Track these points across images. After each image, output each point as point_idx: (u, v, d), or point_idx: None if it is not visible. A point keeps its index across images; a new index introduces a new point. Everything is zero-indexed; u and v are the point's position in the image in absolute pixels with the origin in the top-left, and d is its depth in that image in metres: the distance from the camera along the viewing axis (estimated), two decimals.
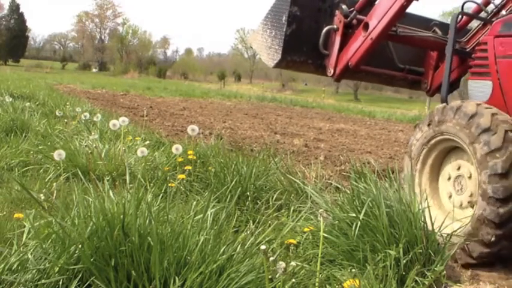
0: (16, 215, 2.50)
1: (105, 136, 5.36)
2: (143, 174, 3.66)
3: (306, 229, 2.77)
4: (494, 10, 4.40)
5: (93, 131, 5.58)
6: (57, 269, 2.03)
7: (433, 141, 3.49)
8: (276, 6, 4.92)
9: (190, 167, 3.87)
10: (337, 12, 4.82)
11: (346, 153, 7.18)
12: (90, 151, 4.10)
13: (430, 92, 4.87)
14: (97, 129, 5.79)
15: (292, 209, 3.21)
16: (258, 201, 3.48)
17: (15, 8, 68.47)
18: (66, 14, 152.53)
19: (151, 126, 8.32)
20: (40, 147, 4.65)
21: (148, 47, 76.33)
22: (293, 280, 2.15)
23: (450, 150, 3.48)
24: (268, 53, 4.97)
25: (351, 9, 4.77)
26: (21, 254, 2.06)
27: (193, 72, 67.60)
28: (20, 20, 68.76)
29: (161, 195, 2.81)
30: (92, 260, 2.02)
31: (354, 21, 4.73)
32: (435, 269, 2.48)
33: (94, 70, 69.52)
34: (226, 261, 2.12)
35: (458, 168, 3.40)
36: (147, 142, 5.11)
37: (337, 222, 2.75)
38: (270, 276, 1.98)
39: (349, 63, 4.69)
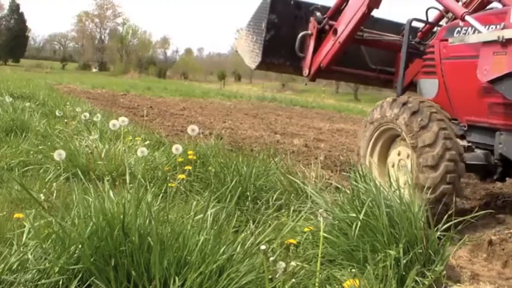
0: (16, 215, 2.50)
1: (105, 136, 5.35)
2: (143, 174, 3.66)
3: (306, 229, 2.76)
4: (453, 16, 4.69)
5: (93, 131, 5.58)
6: (57, 269, 2.03)
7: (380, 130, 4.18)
8: (257, 14, 5.45)
9: (190, 167, 3.87)
10: (311, 18, 5.32)
11: (346, 153, 7.17)
12: (90, 151, 4.10)
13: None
14: (97, 129, 5.79)
15: (292, 209, 3.21)
16: (258, 201, 3.47)
17: (15, 8, 68.44)
18: (66, 14, 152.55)
19: (151, 126, 8.32)
20: (40, 147, 4.64)
21: (148, 47, 76.30)
22: (293, 280, 2.15)
23: (394, 138, 4.14)
24: (250, 56, 5.52)
25: (324, 16, 5.26)
26: (21, 254, 2.06)
27: (193, 72, 67.53)
28: (20, 20, 68.73)
29: (161, 195, 2.81)
30: (92, 260, 2.02)
31: (327, 26, 5.23)
32: (435, 269, 2.48)
33: (94, 70, 69.49)
34: (226, 261, 2.12)
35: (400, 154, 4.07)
36: (147, 142, 5.11)
37: (337, 222, 2.75)
38: (270, 276, 1.98)
39: (321, 65, 5.20)
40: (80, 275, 2.03)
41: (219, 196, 3.17)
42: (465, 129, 4.11)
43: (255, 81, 62.62)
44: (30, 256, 2.06)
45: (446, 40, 4.15)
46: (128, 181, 2.87)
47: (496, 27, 3.68)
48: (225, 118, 12.05)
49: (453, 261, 2.95)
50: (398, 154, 4.12)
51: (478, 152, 4.00)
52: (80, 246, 2.06)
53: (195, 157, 4.11)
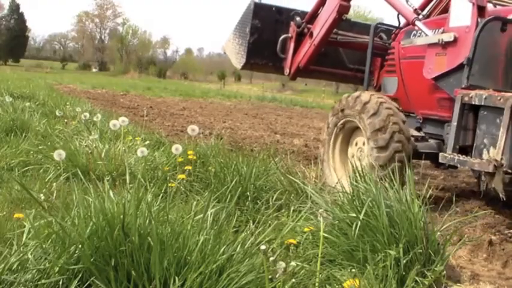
0: (16, 215, 2.50)
1: (105, 136, 5.35)
2: (143, 174, 3.66)
3: (306, 229, 2.76)
4: None
5: (93, 131, 5.57)
6: (57, 269, 2.03)
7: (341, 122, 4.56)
8: (242, 19, 5.99)
9: (190, 167, 3.87)
10: (291, 23, 5.83)
11: None
12: (90, 151, 4.10)
13: (376, 88, 5.53)
14: (97, 129, 5.78)
15: (292, 209, 3.21)
16: (258, 201, 3.47)
17: (15, 8, 68.38)
18: (66, 14, 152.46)
19: (151, 126, 8.32)
20: (40, 147, 4.64)
21: (148, 47, 76.19)
22: (293, 280, 2.14)
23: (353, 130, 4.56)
24: (236, 57, 6.07)
25: (303, 20, 5.77)
26: (21, 254, 2.06)
27: (193, 72, 67.47)
28: (20, 20, 68.67)
29: (161, 195, 2.81)
30: (92, 260, 2.02)
31: (305, 30, 5.72)
32: (435, 269, 2.47)
33: (94, 70, 69.43)
34: (226, 261, 2.12)
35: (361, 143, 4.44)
36: (147, 142, 5.11)
37: (337, 222, 2.75)
38: (270, 276, 1.98)
39: (300, 65, 5.70)
40: (80, 275, 2.03)
41: (219, 196, 3.16)
42: (421, 121, 4.67)
43: (255, 81, 62.52)
44: (30, 256, 2.06)
45: None
46: (128, 181, 2.88)
47: (440, 31, 4.20)
48: (225, 118, 12.05)
49: (453, 261, 2.95)
50: (357, 143, 4.58)
51: (432, 141, 4.47)
52: (80, 246, 2.06)
53: (195, 157, 4.11)
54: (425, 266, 2.51)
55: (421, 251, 2.52)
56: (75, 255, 2.07)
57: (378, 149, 4.02)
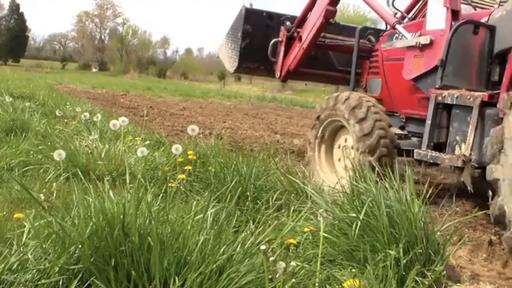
0: (16, 215, 2.50)
1: (105, 136, 5.35)
2: (143, 174, 3.66)
3: (306, 229, 2.76)
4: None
5: (93, 131, 5.57)
6: (57, 269, 2.03)
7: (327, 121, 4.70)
8: (234, 24, 6.21)
9: (190, 167, 3.87)
10: (282, 27, 6.06)
11: None
12: (90, 151, 4.10)
13: (365, 89, 5.65)
14: (97, 129, 5.78)
15: (292, 209, 3.20)
16: (258, 201, 3.47)
17: (15, 8, 68.41)
18: (66, 14, 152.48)
19: (151, 126, 8.32)
20: (40, 147, 4.63)
21: (148, 47, 76.19)
22: (293, 280, 2.14)
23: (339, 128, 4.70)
24: (229, 61, 6.31)
25: (293, 25, 5.98)
26: (21, 254, 2.06)
27: (193, 72, 67.42)
28: (20, 20, 68.69)
29: (161, 195, 2.81)
30: (92, 260, 2.02)
31: (295, 34, 5.94)
32: (435, 269, 2.47)
33: (94, 70, 69.44)
34: (226, 261, 2.11)
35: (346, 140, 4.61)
36: (147, 142, 5.10)
37: (337, 222, 2.75)
38: (270, 276, 1.98)
39: (290, 68, 5.94)
40: (80, 275, 2.03)
41: (219, 196, 3.16)
42: (404, 120, 4.89)
43: (255, 81, 62.37)
44: (30, 256, 2.06)
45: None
46: (128, 181, 2.87)
47: (417, 34, 4.39)
48: (225, 118, 12.05)
49: (453, 261, 2.95)
50: (340, 145, 4.72)
51: (414, 139, 4.65)
52: (80, 246, 2.06)
53: (195, 157, 4.11)
54: (425, 266, 2.51)
55: (421, 251, 2.52)
56: (75, 255, 2.07)
57: (363, 136, 4.17)
